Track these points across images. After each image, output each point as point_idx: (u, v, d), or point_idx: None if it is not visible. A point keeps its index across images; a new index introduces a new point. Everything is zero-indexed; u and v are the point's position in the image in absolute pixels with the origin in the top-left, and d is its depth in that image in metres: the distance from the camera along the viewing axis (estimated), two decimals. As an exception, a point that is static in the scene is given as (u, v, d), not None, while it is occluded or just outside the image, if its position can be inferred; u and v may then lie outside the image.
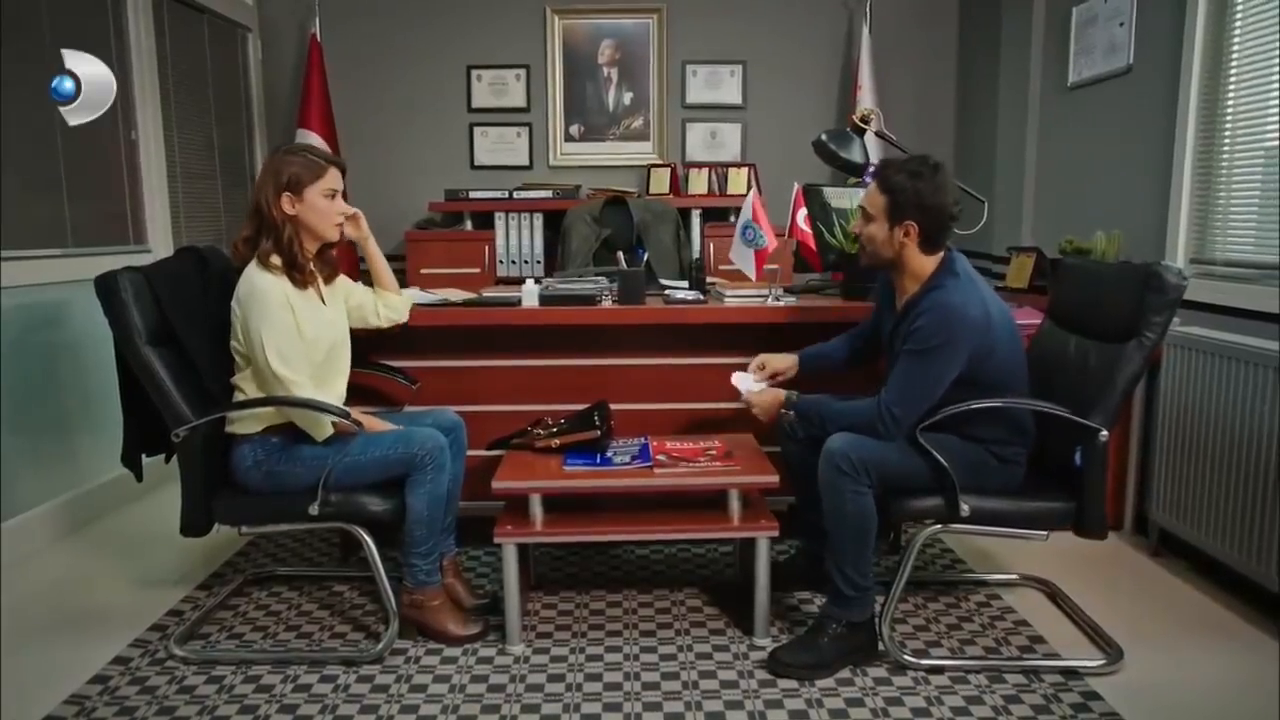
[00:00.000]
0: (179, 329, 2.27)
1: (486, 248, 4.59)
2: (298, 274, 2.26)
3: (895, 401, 2.16)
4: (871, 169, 2.78)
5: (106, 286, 2.20)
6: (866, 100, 4.57)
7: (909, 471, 2.19)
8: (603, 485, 2.40)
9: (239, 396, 2.29)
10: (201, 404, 2.26)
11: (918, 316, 2.16)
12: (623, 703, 2.09)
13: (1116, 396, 2.18)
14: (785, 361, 2.56)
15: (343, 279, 2.51)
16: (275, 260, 2.23)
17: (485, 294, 3.02)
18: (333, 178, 2.29)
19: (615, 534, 2.57)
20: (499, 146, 4.99)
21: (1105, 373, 2.20)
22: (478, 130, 4.97)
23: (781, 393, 2.37)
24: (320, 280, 2.38)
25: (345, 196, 2.37)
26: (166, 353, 2.25)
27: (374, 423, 2.36)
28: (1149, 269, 2.18)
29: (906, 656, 2.26)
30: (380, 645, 2.29)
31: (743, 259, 2.91)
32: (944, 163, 2.23)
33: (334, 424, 2.25)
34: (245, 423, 2.27)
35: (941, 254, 2.24)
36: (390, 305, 2.59)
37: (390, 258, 4.75)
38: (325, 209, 2.28)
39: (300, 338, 2.23)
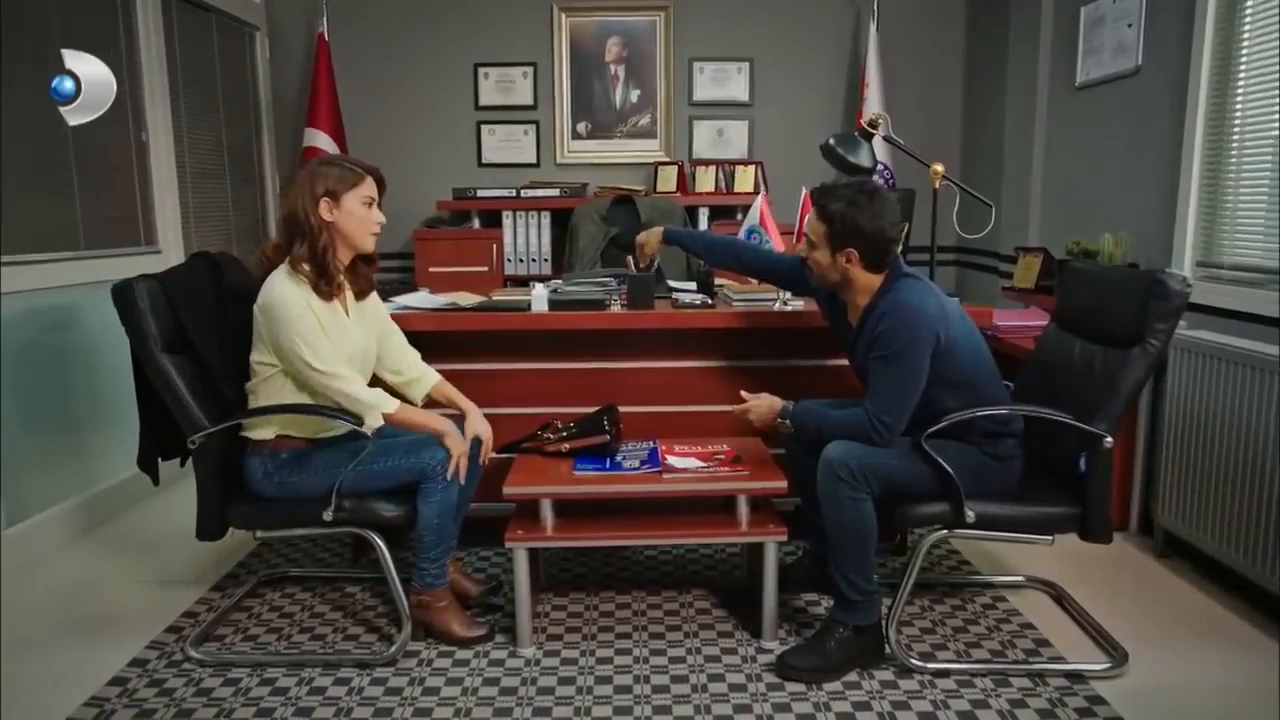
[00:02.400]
0: (194, 336, 2.30)
1: (494, 246, 4.60)
2: (325, 284, 2.25)
3: (883, 409, 2.19)
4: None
5: (123, 295, 2.22)
6: (874, 98, 4.57)
7: (909, 478, 2.22)
8: (613, 490, 2.42)
9: (252, 404, 2.32)
10: (217, 410, 2.29)
11: (879, 321, 2.20)
12: (633, 706, 2.12)
13: (1121, 402, 2.20)
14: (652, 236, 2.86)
15: (380, 307, 2.49)
16: (306, 268, 2.23)
17: (494, 298, 3.03)
18: (369, 186, 2.29)
19: (624, 538, 2.60)
20: (506, 144, 5.01)
21: (1110, 378, 2.22)
22: (485, 128, 4.99)
23: (779, 402, 2.38)
24: (350, 293, 2.37)
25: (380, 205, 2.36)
26: (182, 360, 2.27)
27: (413, 414, 2.37)
28: (1153, 276, 2.19)
29: (913, 660, 2.28)
30: (393, 648, 2.33)
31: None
32: (880, 187, 2.27)
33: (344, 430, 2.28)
34: (260, 429, 2.30)
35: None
36: (407, 383, 2.49)
37: (398, 256, 4.92)
38: (363, 216, 2.28)
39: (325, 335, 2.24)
